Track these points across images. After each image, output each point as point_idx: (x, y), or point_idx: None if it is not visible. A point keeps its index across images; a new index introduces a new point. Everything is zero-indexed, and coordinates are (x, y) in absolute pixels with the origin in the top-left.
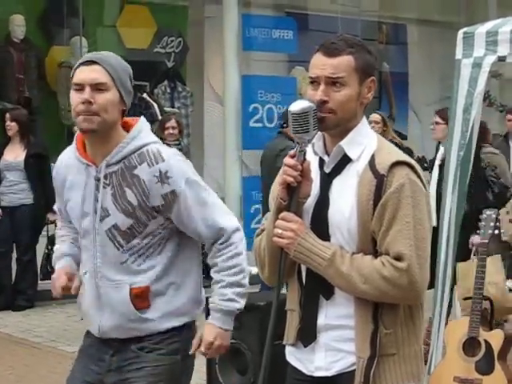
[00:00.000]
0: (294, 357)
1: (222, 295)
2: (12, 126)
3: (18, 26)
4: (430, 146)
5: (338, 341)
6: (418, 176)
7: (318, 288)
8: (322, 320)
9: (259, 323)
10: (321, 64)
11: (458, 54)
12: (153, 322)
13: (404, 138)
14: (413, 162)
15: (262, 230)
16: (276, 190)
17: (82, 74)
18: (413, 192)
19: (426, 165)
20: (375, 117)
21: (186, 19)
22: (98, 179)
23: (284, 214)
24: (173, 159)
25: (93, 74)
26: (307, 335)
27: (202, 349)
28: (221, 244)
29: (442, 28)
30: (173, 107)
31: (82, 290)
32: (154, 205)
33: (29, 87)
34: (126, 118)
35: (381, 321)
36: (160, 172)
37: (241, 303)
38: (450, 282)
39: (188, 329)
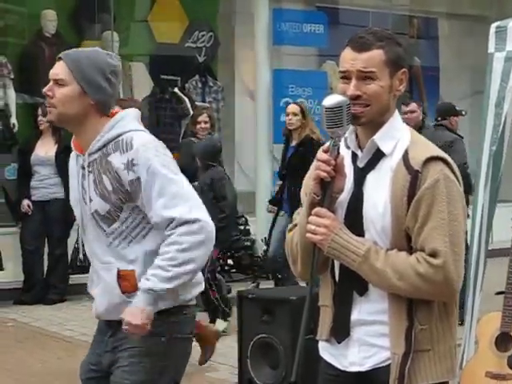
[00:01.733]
0: (328, 352)
1: (145, 274)
2: (44, 121)
3: (50, 20)
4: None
5: (371, 336)
6: (453, 171)
7: (351, 284)
8: (355, 316)
9: (291, 317)
10: (351, 59)
11: (491, 48)
12: None
13: None
14: (447, 156)
15: (295, 225)
16: (308, 184)
17: (51, 70)
18: (447, 188)
19: None
20: (294, 107)
21: (217, 13)
22: (83, 167)
23: (317, 209)
24: (141, 148)
25: (55, 70)
26: (341, 331)
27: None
28: (167, 231)
29: (472, 22)
30: (204, 102)
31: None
32: (126, 190)
33: None
34: (115, 110)
35: (415, 317)
36: (127, 160)
37: (155, 283)
38: (481, 279)
39: (177, 313)
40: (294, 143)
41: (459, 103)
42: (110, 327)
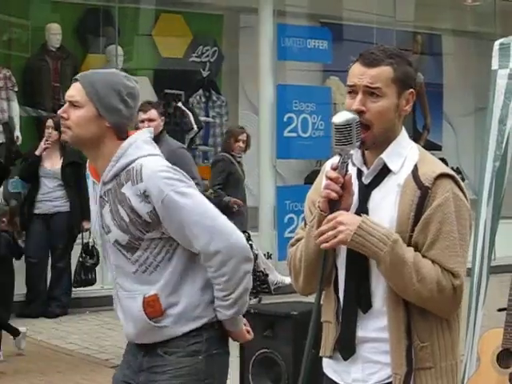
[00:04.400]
0: (331, 369)
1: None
2: (53, 135)
3: (54, 34)
4: (465, 157)
5: (374, 353)
6: (461, 189)
7: (356, 301)
8: (359, 333)
9: (293, 333)
10: (359, 73)
11: (494, 65)
12: (167, 329)
13: (439, 148)
14: (455, 174)
15: (297, 240)
16: (312, 199)
17: (67, 92)
18: (457, 206)
19: (460, 176)
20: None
21: (222, 28)
22: (100, 196)
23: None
24: (152, 178)
25: (70, 92)
26: (347, 348)
27: None
28: (202, 261)
29: (477, 39)
30: (208, 116)
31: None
32: (145, 220)
33: (64, 95)
34: (131, 132)
35: (416, 334)
36: (140, 191)
37: (222, 314)
38: (483, 295)
39: (209, 329)
40: None
41: (463, 120)
42: (141, 348)
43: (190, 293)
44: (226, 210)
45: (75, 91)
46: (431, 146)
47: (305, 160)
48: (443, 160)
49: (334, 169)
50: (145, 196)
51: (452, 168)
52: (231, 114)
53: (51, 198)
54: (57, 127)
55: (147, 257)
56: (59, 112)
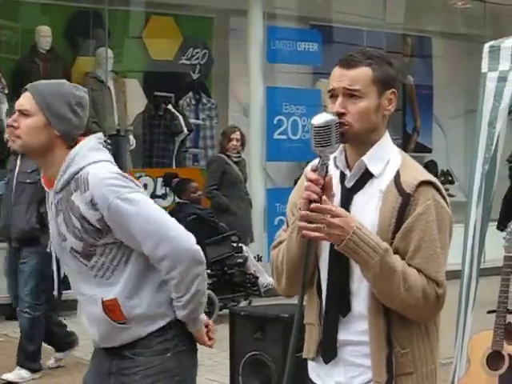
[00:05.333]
0: (315, 373)
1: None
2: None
3: (44, 36)
4: (455, 159)
5: (356, 356)
6: (443, 196)
7: (336, 304)
8: (341, 336)
9: (283, 335)
10: (338, 76)
11: (484, 68)
12: (132, 330)
13: (428, 151)
14: (437, 181)
15: (279, 243)
16: (293, 202)
17: (17, 101)
18: (438, 214)
19: (450, 178)
20: None
21: (212, 31)
22: (54, 205)
23: (325, 206)
24: (97, 185)
25: (20, 101)
26: (328, 351)
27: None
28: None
29: (466, 41)
30: (197, 119)
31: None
32: (96, 227)
33: None
34: (81, 138)
35: (396, 341)
36: (87, 199)
37: (179, 314)
38: (473, 297)
39: (175, 327)
40: None
41: (452, 122)
42: (109, 353)
43: (151, 293)
44: (219, 209)
45: (25, 100)
46: (421, 149)
47: (295, 162)
48: (433, 162)
49: (314, 170)
50: (92, 204)
51: (442, 170)
52: (221, 117)
53: None
54: None
55: (103, 262)
56: (8, 121)
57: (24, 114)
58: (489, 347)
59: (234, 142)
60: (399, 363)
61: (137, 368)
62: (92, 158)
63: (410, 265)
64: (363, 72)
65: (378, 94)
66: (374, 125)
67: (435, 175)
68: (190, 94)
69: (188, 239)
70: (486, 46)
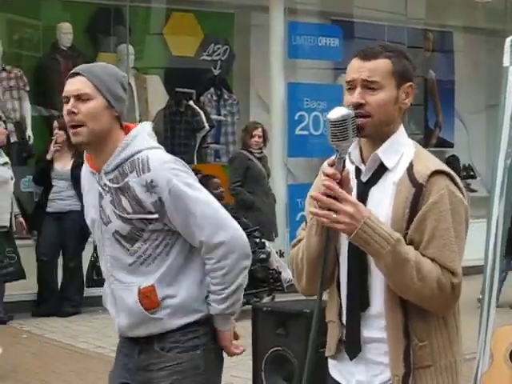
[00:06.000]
0: (336, 370)
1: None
2: (60, 134)
3: (65, 33)
4: (476, 153)
5: (378, 354)
6: (457, 186)
7: (356, 300)
8: (364, 332)
9: (305, 330)
10: (357, 67)
11: (506, 62)
12: (163, 321)
13: (450, 145)
14: (451, 171)
15: (299, 241)
16: (311, 198)
17: (67, 87)
18: (452, 203)
19: (472, 173)
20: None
21: (233, 27)
22: (100, 186)
23: (339, 192)
24: (159, 168)
25: (75, 85)
26: (352, 347)
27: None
28: (202, 253)
29: (488, 35)
30: (219, 115)
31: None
32: (149, 211)
33: None
34: (128, 123)
35: (414, 334)
36: (146, 181)
37: (215, 308)
38: (496, 291)
39: (205, 324)
40: None
41: (474, 117)
42: (137, 344)
43: (189, 286)
44: (244, 206)
45: (81, 84)
46: (443, 144)
47: (316, 158)
48: (455, 157)
49: (331, 165)
50: (151, 186)
51: (464, 165)
52: (242, 113)
53: (63, 196)
54: (61, 127)
55: (146, 248)
56: (68, 108)
57: (82, 98)
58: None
59: (256, 139)
60: (417, 356)
61: (164, 364)
62: (150, 143)
63: (424, 255)
64: (382, 63)
65: (396, 87)
66: (391, 117)
67: (457, 170)
68: (212, 89)
69: (243, 233)
70: (508, 39)
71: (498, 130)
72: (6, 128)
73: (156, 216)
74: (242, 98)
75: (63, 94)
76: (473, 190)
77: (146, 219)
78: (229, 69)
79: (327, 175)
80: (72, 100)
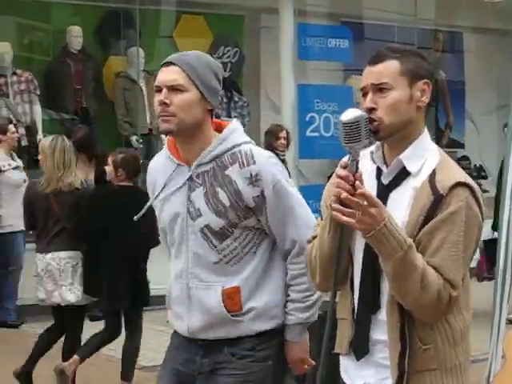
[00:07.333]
0: (346, 372)
1: (286, 308)
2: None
3: (75, 36)
4: (487, 154)
5: (385, 357)
6: (477, 201)
7: (367, 301)
8: (372, 334)
9: (319, 331)
10: (366, 74)
11: None
12: (243, 324)
13: (461, 146)
14: (474, 184)
15: (313, 238)
16: (327, 196)
17: (161, 76)
18: (467, 217)
19: (483, 173)
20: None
21: (242, 29)
22: (190, 179)
23: (363, 191)
24: (265, 162)
25: (170, 76)
26: (360, 348)
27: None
28: (291, 256)
29: (498, 36)
30: (229, 117)
31: (168, 293)
32: (246, 205)
33: (86, 98)
34: (219, 120)
35: (417, 337)
36: (251, 174)
37: (298, 317)
38: (508, 291)
39: (279, 334)
40: None
41: (485, 118)
42: (201, 347)
43: (271, 290)
44: None
45: (175, 75)
46: (454, 144)
47: (327, 159)
48: (466, 157)
49: (344, 167)
50: (256, 179)
51: (475, 165)
52: (253, 115)
53: None
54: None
55: (235, 247)
56: (160, 98)
57: (176, 89)
58: None
59: (282, 141)
60: (421, 359)
61: (234, 370)
62: (248, 139)
63: (428, 262)
64: (390, 65)
65: (408, 85)
66: (407, 117)
67: (468, 170)
68: (222, 92)
69: None
70: None
71: (509, 130)
72: (17, 131)
73: (252, 211)
74: (252, 100)
75: (155, 83)
76: (485, 191)
77: (242, 214)
78: (239, 71)
79: (340, 177)
80: (165, 90)
